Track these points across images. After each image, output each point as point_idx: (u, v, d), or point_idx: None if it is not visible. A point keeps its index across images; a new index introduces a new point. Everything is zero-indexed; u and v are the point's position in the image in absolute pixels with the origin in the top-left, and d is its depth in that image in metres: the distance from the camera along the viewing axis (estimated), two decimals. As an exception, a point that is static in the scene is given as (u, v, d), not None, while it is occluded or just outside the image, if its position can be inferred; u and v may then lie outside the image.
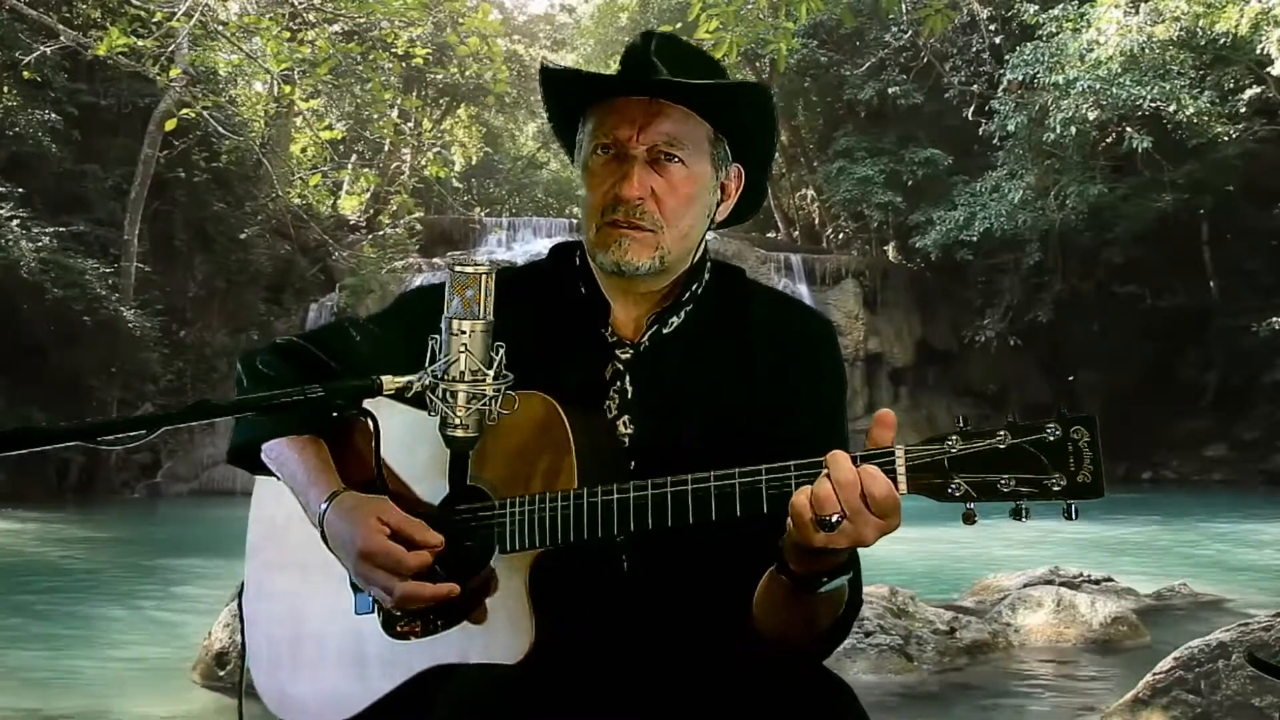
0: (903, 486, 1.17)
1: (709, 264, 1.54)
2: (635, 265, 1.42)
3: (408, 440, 1.39)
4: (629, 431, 1.45)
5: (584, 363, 1.47)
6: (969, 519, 1.17)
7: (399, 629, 1.40)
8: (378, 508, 1.33)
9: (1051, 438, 1.14)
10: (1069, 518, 1.15)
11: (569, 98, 1.50)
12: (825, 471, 1.17)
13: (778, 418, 1.41)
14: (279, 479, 1.48)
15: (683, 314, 1.50)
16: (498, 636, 1.33)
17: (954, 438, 1.17)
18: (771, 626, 1.35)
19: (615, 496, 1.29)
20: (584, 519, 1.30)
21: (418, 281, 18.45)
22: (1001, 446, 1.15)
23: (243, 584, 1.61)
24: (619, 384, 1.47)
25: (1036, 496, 1.14)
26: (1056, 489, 1.14)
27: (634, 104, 1.42)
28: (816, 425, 1.42)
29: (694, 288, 1.51)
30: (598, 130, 1.44)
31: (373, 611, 1.42)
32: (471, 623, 1.35)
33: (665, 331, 1.49)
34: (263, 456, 1.49)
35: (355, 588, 1.44)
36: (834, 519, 1.16)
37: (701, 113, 1.44)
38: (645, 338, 1.48)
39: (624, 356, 1.48)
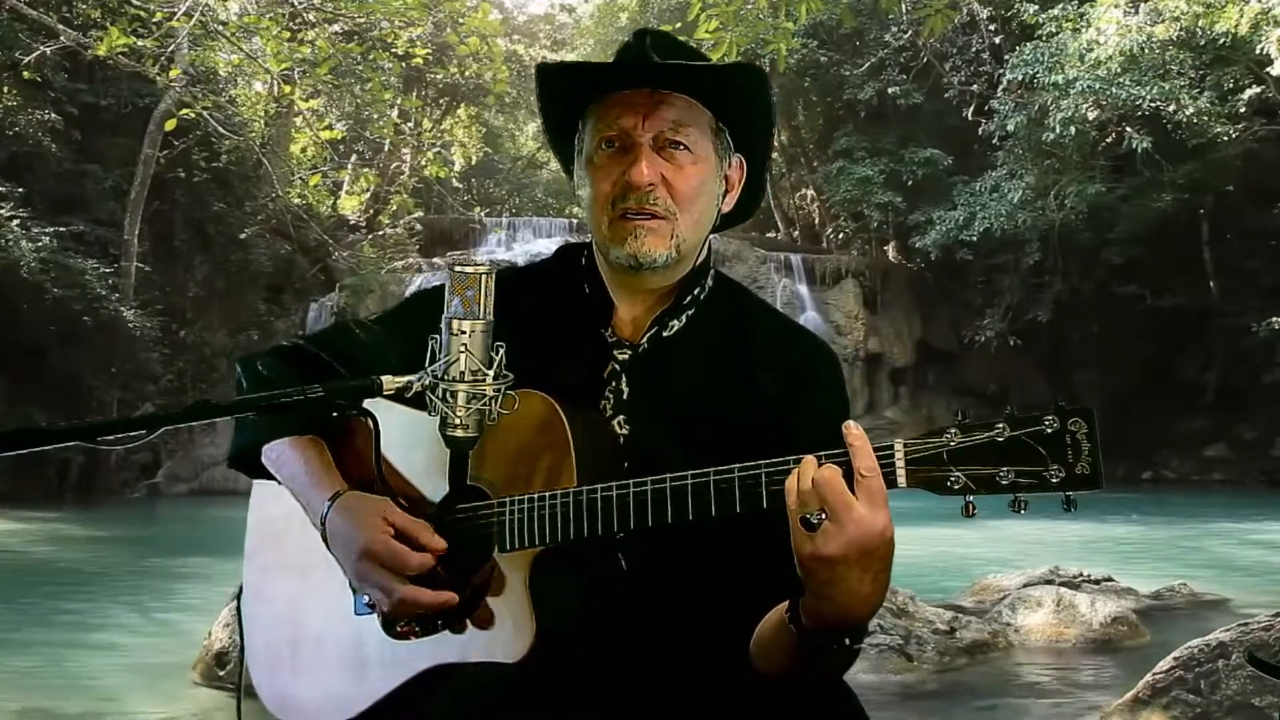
0: (902, 480, 1.17)
1: (712, 270, 1.54)
2: (653, 257, 1.41)
3: (407, 440, 1.38)
4: (624, 432, 1.44)
5: (583, 361, 1.47)
6: (968, 512, 1.16)
7: (399, 629, 1.39)
8: (382, 507, 1.32)
9: (1049, 429, 1.14)
10: (1067, 509, 1.14)
11: (568, 94, 1.48)
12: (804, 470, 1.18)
13: (775, 447, 1.39)
14: (279, 481, 1.47)
15: (684, 318, 1.49)
16: (498, 636, 1.33)
17: (952, 430, 1.17)
18: (768, 666, 1.33)
19: (615, 493, 1.28)
20: (583, 516, 1.29)
21: (418, 281, 18.44)
22: (1000, 439, 1.15)
23: (241, 586, 1.60)
24: (615, 384, 1.46)
25: (1035, 488, 1.14)
26: (1055, 480, 1.13)
27: (637, 95, 1.42)
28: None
29: (696, 292, 1.50)
30: (600, 125, 1.44)
31: (372, 612, 1.41)
32: (474, 624, 1.34)
33: (665, 334, 1.48)
34: (263, 459, 1.48)
35: (355, 588, 1.43)
36: (816, 519, 1.16)
37: (703, 100, 1.44)
38: (645, 339, 1.48)
39: (621, 357, 1.47)
